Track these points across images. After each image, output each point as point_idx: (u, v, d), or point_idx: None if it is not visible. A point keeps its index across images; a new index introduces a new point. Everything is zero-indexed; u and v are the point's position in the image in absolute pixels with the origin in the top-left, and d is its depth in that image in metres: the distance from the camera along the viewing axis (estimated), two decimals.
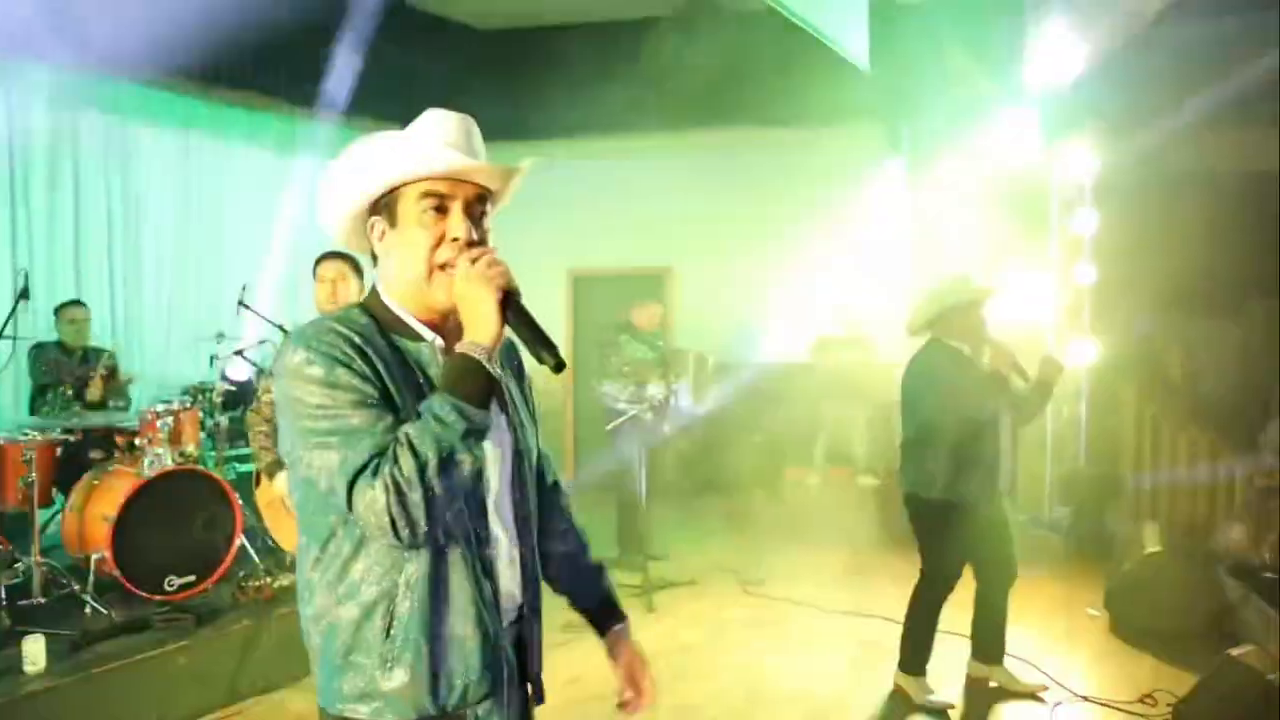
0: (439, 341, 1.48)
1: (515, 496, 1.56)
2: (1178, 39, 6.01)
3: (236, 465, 5.85)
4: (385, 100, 7.97)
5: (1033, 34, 6.51)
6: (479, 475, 1.42)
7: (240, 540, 4.60)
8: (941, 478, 3.72)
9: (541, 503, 1.68)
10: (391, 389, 1.38)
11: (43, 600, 4.20)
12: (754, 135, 8.35)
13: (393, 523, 1.28)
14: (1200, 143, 6.45)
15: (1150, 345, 6.68)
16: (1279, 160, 6.35)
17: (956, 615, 4.06)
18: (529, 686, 1.63)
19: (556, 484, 1.80)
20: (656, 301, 6.30)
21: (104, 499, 4.35)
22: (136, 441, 4.65)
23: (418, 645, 1.39)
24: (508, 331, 1.41)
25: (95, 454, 4.90)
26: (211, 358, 5.95)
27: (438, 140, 1.44)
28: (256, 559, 4.66)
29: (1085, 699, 3.98)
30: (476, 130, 1.50)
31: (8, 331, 4.97)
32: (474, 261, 1.38)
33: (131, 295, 6.93)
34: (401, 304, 1.48)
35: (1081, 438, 6.89)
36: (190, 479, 4.52)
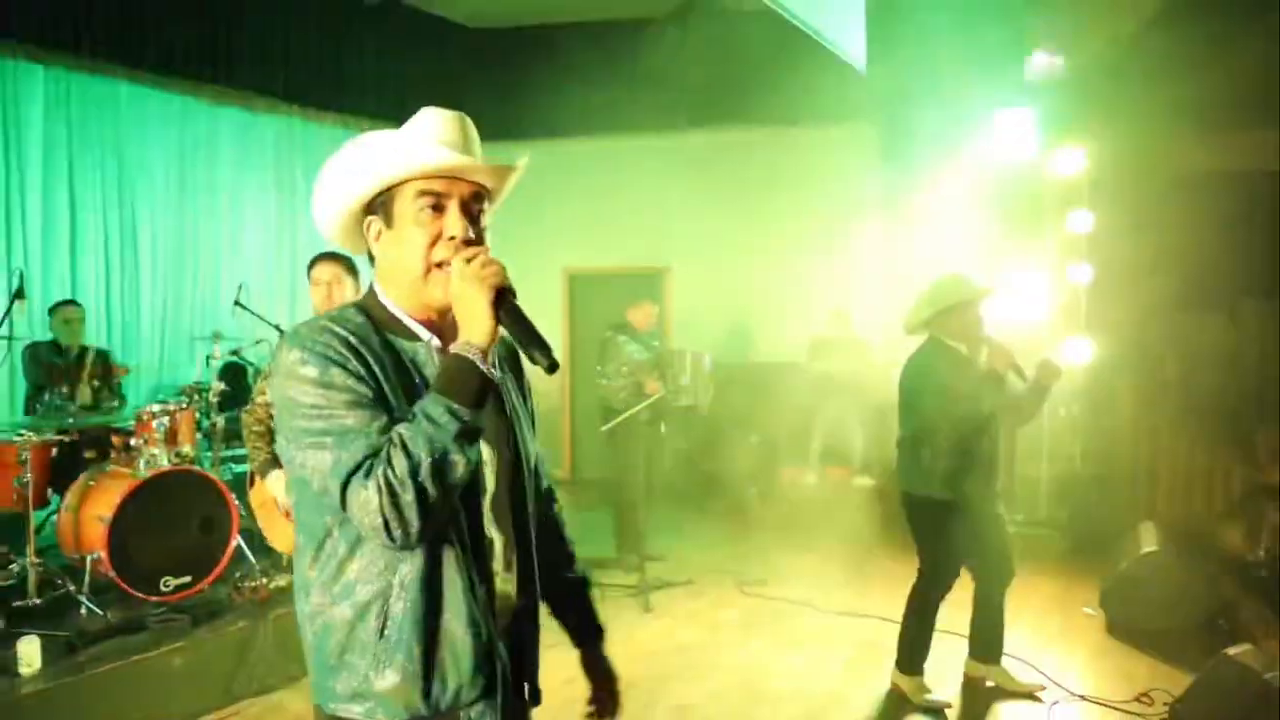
0: (435, 341, 1.48)
1: (513, 498, 1.55)
2: (1173, 39, 6.02)
3: (233, 466, 5.84)
4: (381, 99, 7.98)
5: (1029, 34, 6.52)
6: (474, 476, 1.42)
7: (236, 541, 4.59)
8: (939, 477, 3.72)
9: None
10: (386, 389, 1.38)
11: (38, 601, 4.19)
12: (751, 135, 8.35)
13: (386, 523, 1.28)
14: (1196, 143, 6.46)
15: (1146, 345, 6.69)
16: (1275, 160, 6.37)
17: (954, 615, 4.06)
18: (525, 688, 1.62)
19: (550, 491, 1.79)
20: (652, 301, 6.29)
21: (100, 499, 4.33)
22: (132, 442, 4.64)
23: (410, 646, 1.39)
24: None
25: (90, 454, 4.88)
26: (207, 358, 5.93)
27: (433, 138, 1.44)
28: (253, 560, 4.65)
29: (1082, 698, 3.99)
30: (473, 128, 1.50)
31: (3, 331, 4.95)
32: (468, 261, 1.38)
33: (128, 295, 6.91)
34: (398, 303, 1.48)
35: (1078, 437, 6.90)
36: (186, 479, 4.51)
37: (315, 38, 7.58)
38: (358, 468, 1.29)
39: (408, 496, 1.27)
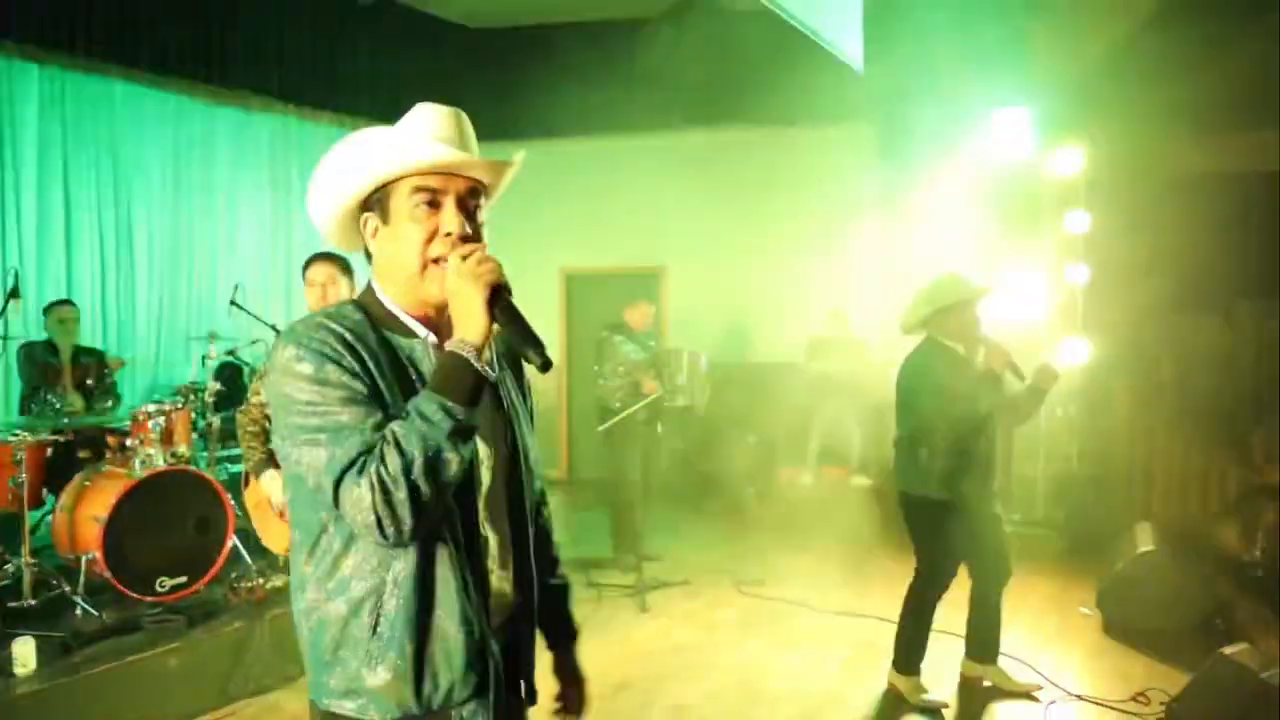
0: (431, 338, 1.47)
1: (510, 495, 1.54)
2: (1169, 40, 6.03)
3: (229, 466, 5.83)
4: (377, 98, 7.97)
5: (1026, 34, 6.52)
6: (469, 474, 1.41)
7: (232, 541, 4.58)
8: (936, 476, 3.72)
9: None
10: (381, 385, 1.38)
11: (33, 602, 4.17)
12: (748, 135, 8.35)
13: (378, 521, 1.27)
14: (1192, 144, 6.48)
15: (1142, 345, 6.70)
16: (1271, 161, 6.38)
17: (950, 615, 4.06)
18: (522, 687, 1.62)
19: (543, 493, 1.79)
20: (649, 301, 6.28)
21: (95, 499, 4.32)
22: (128, 442, 4.63)
23: (402, 643, 1.38)
24: None
25: (86, 454, 4.87)
26: (203, 358, 5.92)
27: (429, 134, 1.43)
28: (249, 560, 4.64)
29: (1079, 698, 3.99)
30: (468, 123, 1.49)
31: None
32: (465, 258, 1.37)
33: (123, 295, 6.89)
34: (395, 300, 1.47)
35: (1074, 438, 6.91)
36: (182, 479, 4.49)
37: (310, 37, 7.56)
38: (351, 465, 1.29)
39: (400, 494, 1.27)
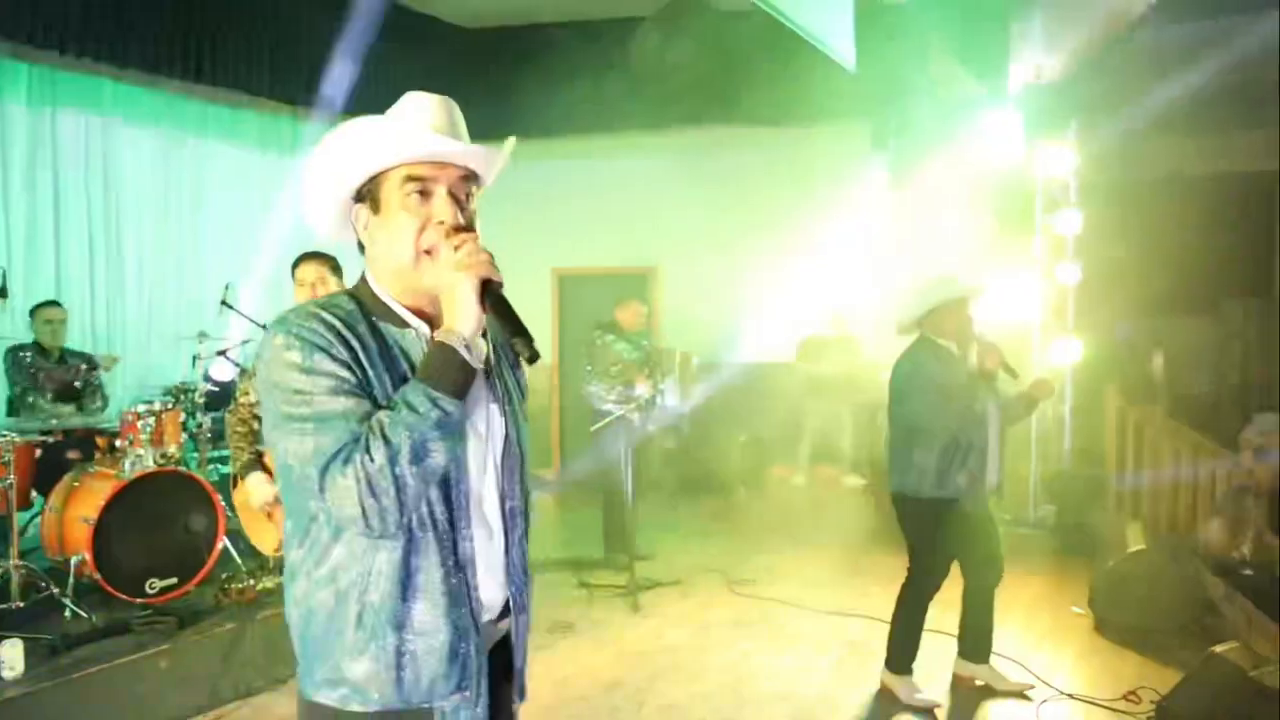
0: (424, 329, 1.46)
1: (503, 488, 1.53)
2: (1159, 41, 6.06)
3: (219, 466, 5.80)
4: (369, 98, 7.93)
5: (1017, 35, 6.54)
6: (458, 466, 1.40)
7: (223, 543, 4.56)
8: (930, 476, 3.72)
9: None
10: (372, 376, 1.37)
11: (21, 604, 4.13)
12: (739, 134, 8.36)
13: (363, 511, 1.27)
14: (1182, 144, 6.51)
15: (1132, 344, 6.73)
16: (1260, 161, 6.42)
17: (943, 614, 4.07)
18: (514, 683, 1.61)
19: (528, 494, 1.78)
20: (641, 301, 6.28)
21: (84, 501, 4.30)
22: (117, 443, 4.60)
23: (384, 635, 1.38)
24: None
25: (75, 455, 4.84)
26: (194, 358, 5.89)
27: (419, 123, 1.43)
28: (239, 561, 4.62)
29: (1070, 696, 4.00)
30: (458, 112, 1.49)
31: None
32: (456, 249, 1.37)
33: (113, 295, 6.86)
34: (389, 290, 1.47)
35: (1065, 437, 6.93)
36: (172, 480, 4.47)
37: (304, 36, 7.53)
38: (336, 455, 1.28)
39: (385, 484, 1.26)
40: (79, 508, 4.28)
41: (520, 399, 1.63)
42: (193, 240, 7.36)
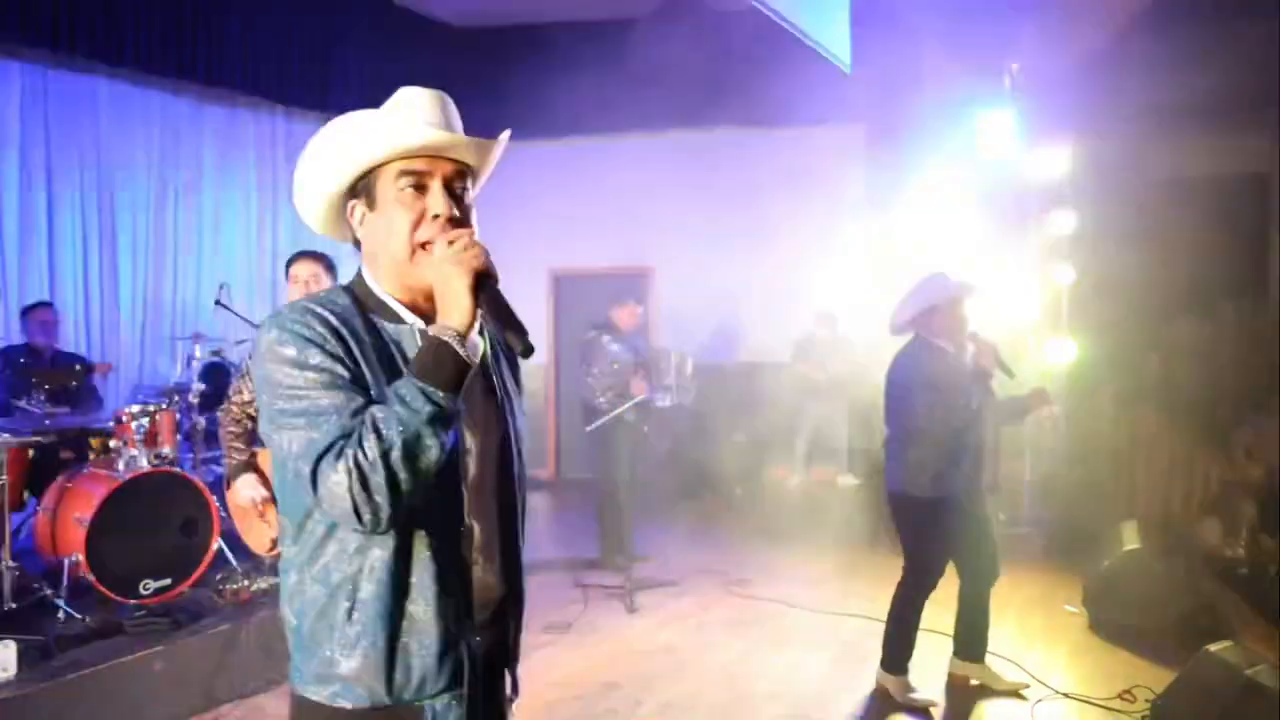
0: (420, 324, 1.45)
1: (500, 484, 1.52)
2: (1154, 43, 6.07)
3: (214, 467, 5.78)
4: (363, 98, 7.90)
5: (1013, 37, 6.55)
6: (453, 463, 1.39)
7: (218, 543, 4.54)
8: (925, 475, 3.73)
9: None
10: (365, 370, 1.36)
11: (14, 605, 4.11)
12: (735, 135, 8.37)
13: (355, 507, 1.25)
14: (1178, 145, 6.53)
15: (1127, 345, 6.74)
16: (1256, 163, 6.44)
17: (938, 614, 4.08)
18: (507, 680, 1.60)
19: None
20: (637, 301, 6.27)
21: (78, 501, 4.28)
22: (111, 443, 4.58)
23: (375, 631, 1.37)
24: None
25: (69, 456, 4.82)
26: (189, 358, 5.87)
27: (412, 117, 1.42)
28: (234, 562, 4.60)
29: (1066, 696, 4.01)
30: (452, 105, 1.48)
31: None
32: (451, 243, 1.36)
33: (107, 295, 6.84)
34: (384, 286, 1.46)
35: (1060, 437, 6.94)
36: (166, 481, 4.45)
37: (297, 36, 7.52)
38: (329, 449, 1.27)
39: (378, 479, 1.25)
40: (73, 508, 4.26)
41: (519, 396, 1.62)
42: (188, 241, 7.33)
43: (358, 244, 1.51)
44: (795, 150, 8.11)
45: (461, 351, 1.32)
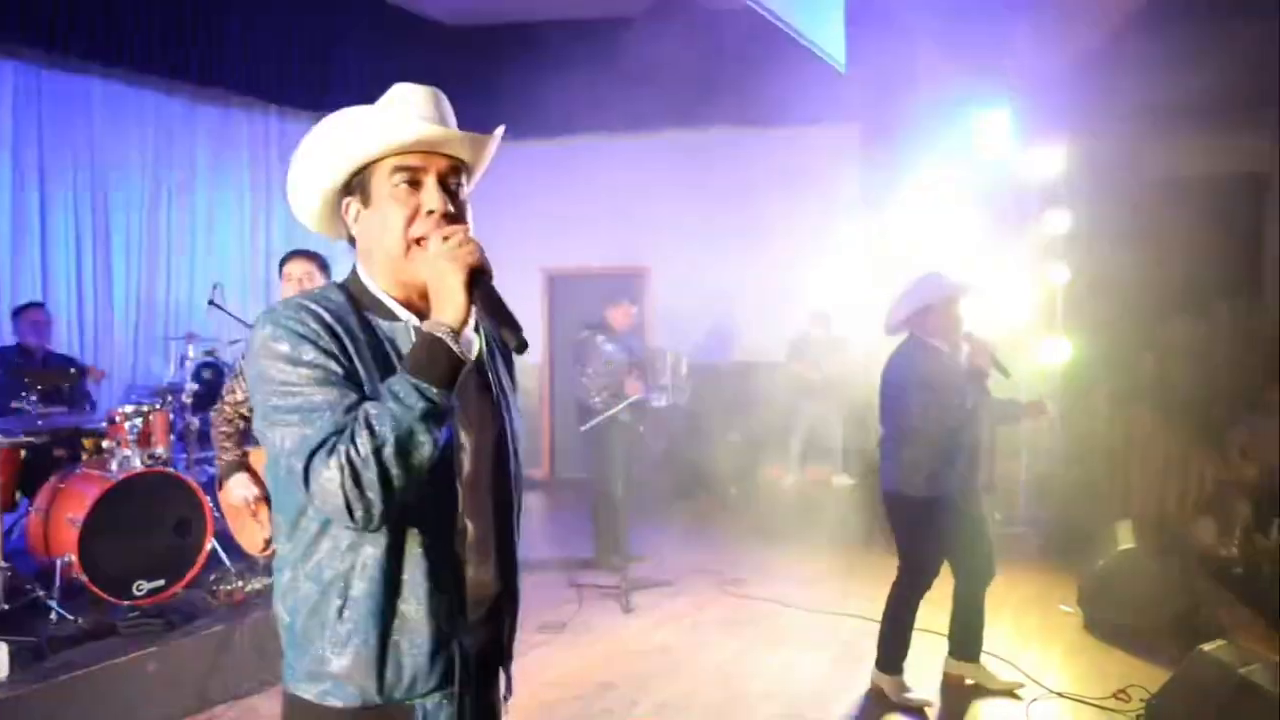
0: (415, 321, 1.44)
1: (496, 482, 1.51)
2: (1149, 43, 6.08)
3: (208, 467, 5.76)
4: (357, 97, 7.88)
5: (1007, 36, 6.56)
6: (448, 460, 1.39)
7: (211, 544, 4.53)
8: (920, 475, 3.73)
9: None
10: (359, 367, 1.36)
11: (6, 606, 4.09)
12: (730, 134, 8.36)
13: (347, 503, 1.25)
14: (1172, 145, 6.54)
15: (1122, 344, 6.76)
16: (1251, 162, 6.45)
17: (933, 613, 4.07)
18: (501, 680, 1.59)
19: None
20: (631, 301, 6.27)
21: (71, 501, 4.26)
22: (104, 443, 4.56)
23: (367, 629, 1.36)
24: None
25: (62, 456, 4.80)
26: (182, 358, 5.86)
27: (407, 112, 1.42)
28: (228, 563, 4.59)
29: (1060, 695, 4.01)
30: (446, 101, 1.47)
31: None
32: (445, 239, 1.35)
33: (100, 295, 6.81)
34: (379, 282, 1.45)
35: (1055, 437, 6.94)
36: (160, 481, 4.44)
37: (293, 36, 7.49)
38: (321, 445, 1.26)
39: (370, 475, 1.24)
40: (66, 508, 4.24)
41: (515, 393, 1.62)
42: (181, 241, 7.31)
43: (353, 241, 1.50)
44: (790, 150, 8.10)
45: (455, 348, 1.31)
